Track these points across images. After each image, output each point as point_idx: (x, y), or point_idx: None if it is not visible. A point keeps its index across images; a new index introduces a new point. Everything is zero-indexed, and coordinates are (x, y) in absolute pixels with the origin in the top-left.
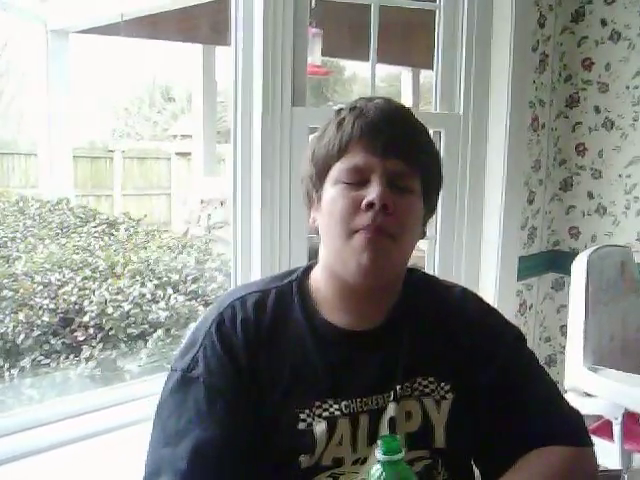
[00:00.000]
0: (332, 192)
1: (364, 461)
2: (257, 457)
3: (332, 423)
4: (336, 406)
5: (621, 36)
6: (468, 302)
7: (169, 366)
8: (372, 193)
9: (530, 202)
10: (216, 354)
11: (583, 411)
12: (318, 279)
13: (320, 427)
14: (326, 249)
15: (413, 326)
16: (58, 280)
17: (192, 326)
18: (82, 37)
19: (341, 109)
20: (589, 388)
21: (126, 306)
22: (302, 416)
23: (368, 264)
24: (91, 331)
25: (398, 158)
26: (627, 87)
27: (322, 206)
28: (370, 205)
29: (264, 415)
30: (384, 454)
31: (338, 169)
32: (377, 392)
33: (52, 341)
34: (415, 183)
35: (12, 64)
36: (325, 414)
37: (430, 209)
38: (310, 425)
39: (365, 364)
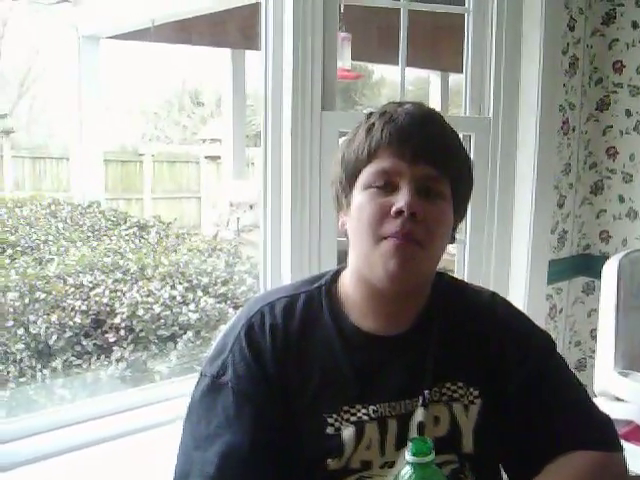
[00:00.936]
0: (361, 197)
1: (392, 465)
2: (285, 461)
3: (360, 428)
4: (364, 411)
5: None
6: (497, 307)
7: (199, 368)
8: (401, 200)
9: (560, 206)
10: (245, 360)
11: (613, 416)
12: (347, 283)
13: (348, 432)
14: (354, 253)
15: (442, 330)
16: (90, 282)
17: (222, 328)
18: (113, 42)
19: (371, 113)
20: (619, 392)
21: (157, 308)
22: (330, 421)
23: (396, 270)
24: (122, 333)
25: (428, 164)
26: None
27: (351, 211)
28: (399, 212)
29: (292, 420)
30: (414, 456)
31: (367, 173)
32: (405, 397)
33: (84, 342)
34: (445, 189)
35: (44, 69)
36: (353, 419)
37: (460, 215)
38: (338, 430)
39: (393, 369)
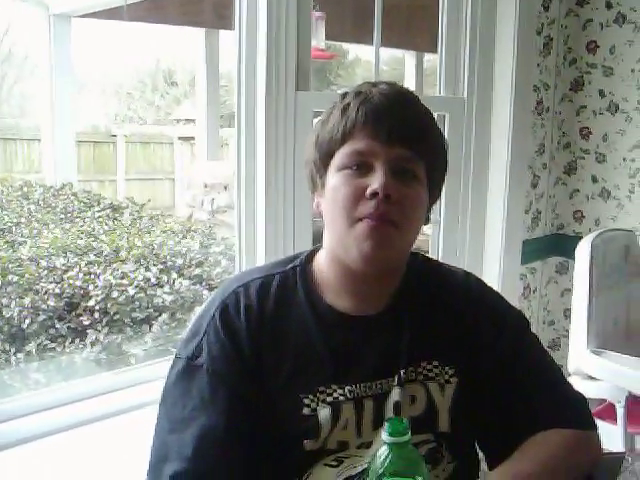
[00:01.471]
0: (336, 179)
1: (369, 445)
2: (261, 442)
3: (336, 408)
4: (340, 391)
5: (626, 19)
6: (471, 286)
7: (174, 350)
8: (375, 182)
9: (534, 186)
10: (219, 341)
11: (587, 394)
12: (322, 264)
13: (324, 412)
14: (329, 235)
15: (416, 310)
16: (63, 265)
17: (197, 310)
18: (85, 21)
19: (346, 94)
20: (593, 371)
21: (131, 290)
22: (306, 401)
23: (370, 252)
24: (96, 315)
25: (402, 145)
26: (632, 70)
27: (326, 192)
28: (374, 194)
29: (268, 400)
30: (391, 436)
31: (341, 154)
32: (381, 377)
33: (58, 325)
34: (420, 170)
35: (14, 49)
36: (329, 399)
37: (434, 196)
38: (314, 410)
39: (369, 349)
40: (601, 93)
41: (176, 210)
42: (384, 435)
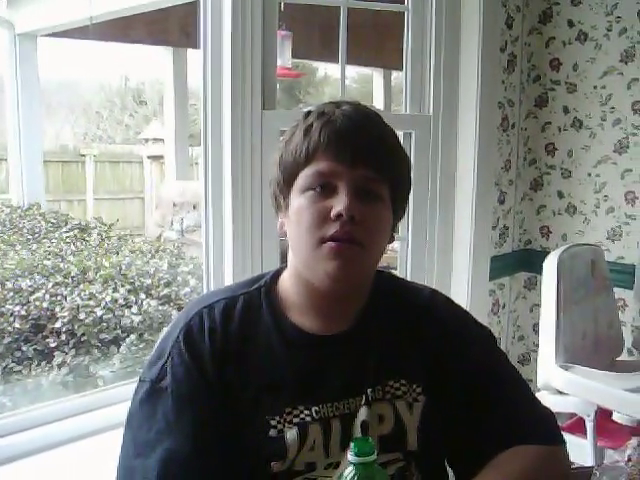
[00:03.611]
0: (299, 201)
1: (337, 465)
2: (228, 464)
3: (303, 429)
4: (307, 412)
5: (588, 37)
6: (437, 304)
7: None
8: (340, 204)
9: (501, 202)
10: (184, 364)
11: (556, 409)
12: (287, 284)
13: (291, 433)
14: (295, 255)
15: (382, 329)
16: (29, 286)
17: (165, 330)
18: (51, 40)
19: (309, 113)
20: (561, 386)
21: (98, 311)
22: (273, 423)
23: (337, 272)
24: (63, 337)
25: (366, 167)
26: (595, 87)
27: (290, 214)
28: (338, 216)
29: (234, 423)
30: (356, 456)
31: (305, 176)
32: (348, 396)
33: (24, 348)
34: (383, 191)
35: None
36: (296, 420)
37: (399, 215)
38: (281, 432)
39: (335, 368)
40: (565, 109)
41: (146, 230)
42: (350, 455)
